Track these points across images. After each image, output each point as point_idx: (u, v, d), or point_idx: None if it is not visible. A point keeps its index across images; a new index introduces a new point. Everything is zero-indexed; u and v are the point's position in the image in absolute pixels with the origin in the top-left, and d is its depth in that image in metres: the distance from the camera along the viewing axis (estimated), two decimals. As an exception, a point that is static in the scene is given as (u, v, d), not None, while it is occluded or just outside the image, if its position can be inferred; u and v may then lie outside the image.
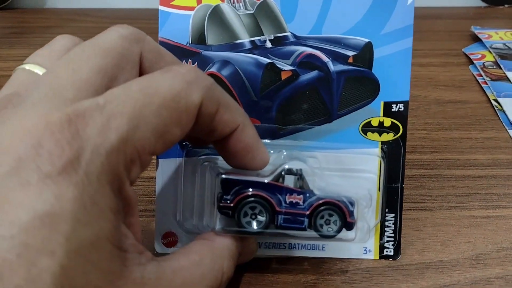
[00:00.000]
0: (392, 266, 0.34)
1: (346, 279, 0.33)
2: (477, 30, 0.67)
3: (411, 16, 0.33)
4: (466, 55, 0.63)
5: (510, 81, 0.56)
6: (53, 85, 0.24)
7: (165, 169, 0.34)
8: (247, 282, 0.33)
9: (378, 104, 0.34)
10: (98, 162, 0.22)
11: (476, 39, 0.66)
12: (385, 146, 0.34)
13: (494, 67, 0.60)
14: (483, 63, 0.60)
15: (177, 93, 0.25)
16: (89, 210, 0.21)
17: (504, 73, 0.58)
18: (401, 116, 0.34)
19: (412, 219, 0.38)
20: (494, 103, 0.53)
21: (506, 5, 0.77)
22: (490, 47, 0.63)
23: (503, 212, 0.39)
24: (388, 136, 0.34)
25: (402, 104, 0.34)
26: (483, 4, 0.78)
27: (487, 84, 0.56)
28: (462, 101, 0.54)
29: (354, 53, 0.33)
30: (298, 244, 0.35)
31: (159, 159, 0.34)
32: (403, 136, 0.34)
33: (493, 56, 0.61)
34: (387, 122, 0.34)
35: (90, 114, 0.22)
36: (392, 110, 0.34)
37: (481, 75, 0.58)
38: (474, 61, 0.61)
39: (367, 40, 0.33)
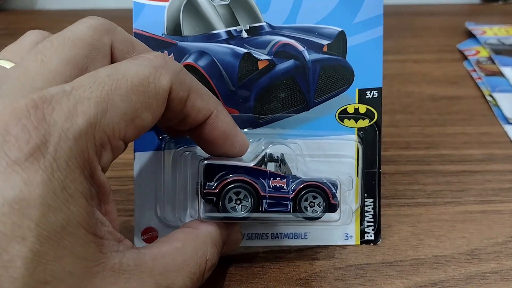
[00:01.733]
0: (386, 262, 0.34)
1: (339, 276, 0.33)
2: (471, 26, 0.67)
3: (380, 6, 0.34)
4: (460, 51, 0.63)
5: (504, 76, 0.56)
6: (21, 77, 0.24)
7: (143, 162, 0.34)
8: (238, 281, 0.33)
9: (353, 91, 0.34)
10: (66, 146, 0.22)
11: (470, 35, 0.66)
12: (361, 132, 0.34)
13: (489, 62, 0.59)
14: (477, 58, 0.60)
15: (145, 77, 0.25)
16: (59, 195, 0.21)
17: (499, 68, 0.58)
18: (376, 103, 0.34)
19: (407, 215, 0.38)
20: (488, 98, 0.53)
21: (501, 2, 0.76)
22: (484, 43, 0.63)
23: (498, 207, 0.39)
24: (364, 123, 0.34)
25: (376, 91, 0.34)
26: (477, 1, 0.77)
27: (481, 79, 0.56)
28: (457, 97, 0.54)
29: (328, 42, 0.34)
30: (281, 233, 0.35)
31: (136, 152, 0.34)
32: (378, 122, 0.35)
33: (487, 52, 0.61)
34: (363, 108, 0.34)
35: (56, 100, 0.22)
36: (367, 96, 0.34)
37: (475, 71, 0.58)
38: (468, 57, 0.61)
39: (340, 29, 0.34)
